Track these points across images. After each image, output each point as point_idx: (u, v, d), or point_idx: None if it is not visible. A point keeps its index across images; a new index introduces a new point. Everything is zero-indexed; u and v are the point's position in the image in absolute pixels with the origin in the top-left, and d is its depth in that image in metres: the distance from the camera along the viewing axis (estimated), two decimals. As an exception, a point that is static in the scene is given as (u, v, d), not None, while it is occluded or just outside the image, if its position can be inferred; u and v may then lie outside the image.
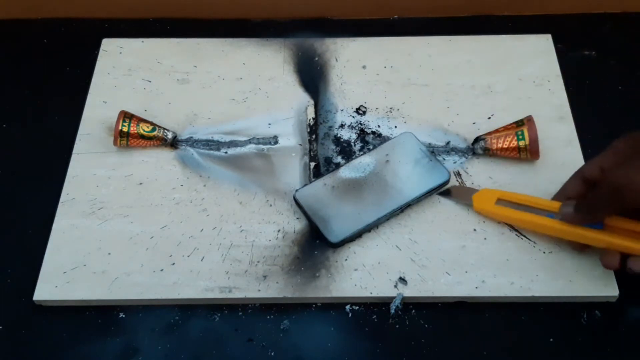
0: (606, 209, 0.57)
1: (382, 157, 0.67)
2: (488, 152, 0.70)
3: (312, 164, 0.71)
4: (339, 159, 0.71)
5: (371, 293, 0.62)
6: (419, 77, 0.78)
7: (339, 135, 0.73)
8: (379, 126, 0.74)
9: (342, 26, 0.86)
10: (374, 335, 0.61)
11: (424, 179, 0.65)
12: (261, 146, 0.73)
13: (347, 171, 0.66)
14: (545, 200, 0.62)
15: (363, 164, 0.66)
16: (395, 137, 0.68)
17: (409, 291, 0.62)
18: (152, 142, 0.71)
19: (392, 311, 0.61)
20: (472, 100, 0.76)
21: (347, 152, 0.72)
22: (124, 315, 0.62)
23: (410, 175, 0.65)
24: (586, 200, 0.58)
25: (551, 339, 0.60)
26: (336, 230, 0.62)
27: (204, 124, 0.75)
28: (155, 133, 0.71)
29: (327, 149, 0.72)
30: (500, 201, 0.63)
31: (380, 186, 0.65)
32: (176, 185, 0.70)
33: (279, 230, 0.66)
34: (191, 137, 0.73)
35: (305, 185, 0.64)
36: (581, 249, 0.62)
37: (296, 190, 0.65)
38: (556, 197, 0.62)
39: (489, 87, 0.77)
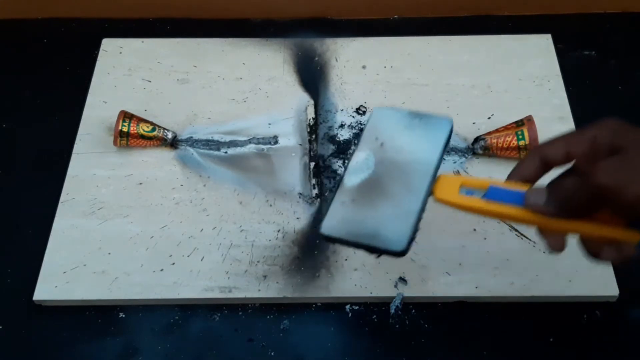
0: (585, 209, 0.48)
1: (374, 143, 0.56)
2: (488, 152, 0.70)
3: (312, 164, 0.71)
4: (338, 162, 0.71)
5: (371, 293, 0.62)
6: (419, 77, 0.78)
7: (338, 135, 0.73)
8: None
9: (342, 26, 0.86)
10: (374, 335, 0.61)
11: (431, 137, 0.56)
12: (261, 146, 0.73)
13: (352, 177, 0.55)
14: (514, 184, 0.52)
15: (361, 161, 0.56)
16: (369, 119, 0.58)
17: (409, 291, 0.62)
18: (152, 142, 0.71)
19: (392, 311, 0.61)
20: (472, 100, 0.76)
21: (346, 152, 0.72)
22: (124, 315, 0.62)
23: (414, 143, 0.56)
24: (560, 193, 0.48)
25: (551, 339, 0.60)
26: (394, 237, 0.52)
27: (204, 124, 0.75)
28: (155, 133, 0.71)
29: (327, 149, 0.72)
30: (464, 188, 0.53)
31: (396, 170, 0.55)
32: (176, 185, 0.70)
33: (279, 230, 0.66)
34: (191, 137, 0.73)
35: (323, 218, 0.53)
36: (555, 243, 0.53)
37: (321, 228, 0.52)
38: (511, 177, 0.53)
39: (489, 87, 0.77)
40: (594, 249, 0.50)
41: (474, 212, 0.53)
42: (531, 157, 0.52)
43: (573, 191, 0.47)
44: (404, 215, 0.53)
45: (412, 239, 0.52)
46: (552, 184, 0.50)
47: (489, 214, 0.53)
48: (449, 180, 0.54)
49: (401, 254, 0.51)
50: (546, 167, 0.51)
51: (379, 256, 0.52)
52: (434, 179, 0.53)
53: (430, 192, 0.52)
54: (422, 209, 0.53)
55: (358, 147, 0.57)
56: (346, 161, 0.69)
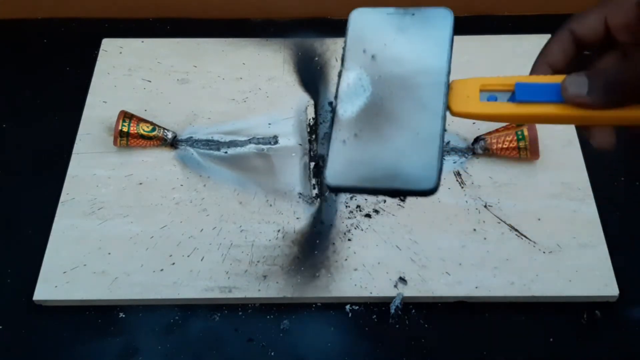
0: None
1: (362, 57, 0.45)
2: (488, 152, 0.70)
3: (312, 164, 0.71)
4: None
5: (371, 293, 0.62)
6: (419, 77, 0.78)
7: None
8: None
9: (342, 26, 0.85)
10: (374, 335, 0.61)
11: (431, 35, 0.46)
12: (261, 146, 0.73)
13: (346, 106, 0.44)
14: (543, 77, 0.43)
15: (353, 83, 0.45)
16: (347, 27, 0.47)
17: (409, 291, 0.62)
18: (152, 142, 0.71)
19: (392, 311, 0.61)
20: (472, 100, 0.76)
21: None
22: (124, 315, 0.62)
23: (413, 47, 0.45)
24: (605, 76, 0.39)
25: (551, 339, 0.60)
26: (419, 172, 0.41)
27: (204, 124, 0.75)
28: (155, 133, 0.71)
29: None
30: (485, 92, 0.45)
31: (399, 86, 0.44)
32: (176, 185, 0.70)
33: (279, 230, 0.66)
34: (191, 137, 0.73)
35: (324, 165, 0.43)
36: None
37: (325, 178, 0.42)
38: (536, 67, 0.45)
39: (489, 87, 0.77)
40: None
41: (503, 120, 0.44)
42: (559, 37, 0.43)
43: (622, 71, 0.38)
44: (424, 141, 0.42)
45: (440, 170, 0.41)
46: (589, 68, 0.41)
47: (522, 119, 0.44)
48: (465, 86, 0.45)
49: (431, 192, 0.40)
50: (579, 48, 0.42)
51: (404, 199, 0.46)
52: (447, 88, 0.43)
53: (446, 105, 0.42)
54: (443, 129, 0.42)
55: (344, 66, 0.45)
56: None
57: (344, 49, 0.46)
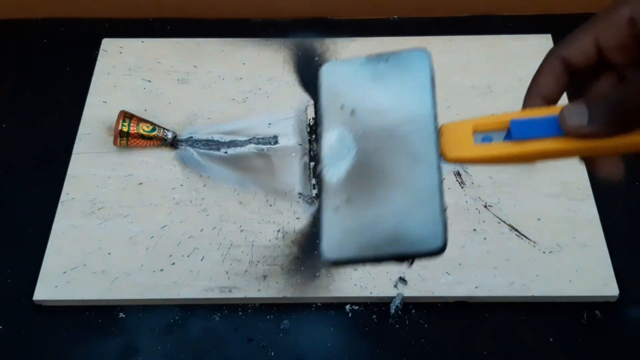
0: None
1: (340, 114, 0.40)
2: (488, 152, 0.70)
3: (312, 164, 0.71)
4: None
5: (371, 293, 0.62)
6: (419, 77, 0.78)
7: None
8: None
9: (342, 26, 0.86)
10: (374, 335, 0.61)
11: (411, 80, 0.42)
12: (261, 146, 0.73)
13: (332, 170, 0.39)
14: (537, 110, 0.39)
15: (335, 144, 0.40)
16: (319, 82, 0.42)
17: (409, 291, 0.62)
18: (152, 142, 0.71)
19: (392, 311, 0.61)
20: (472, 100, 0.76)
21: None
22: (124, 315, 0.62)
23: (394, 95, 0.41)
24: (605, 102, 0.35)
25: (551, 339, 0.60)
26: (424, 232, 0.37)
27: (204, 124, 0.75)
28: (155, 133, 0.71)
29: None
30: (479, 134, 0.40)
31: (386, 140, 0.39)
32: (176, 185, 0.70)
33: (278, 230, 0.66)
34: (191, 137, 0.73)
35: (320, 239, 0.38)
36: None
37: (322, 254, 0.38)
38: (528, 100, 0.41)
39: (489, 87, 0.77)
40: None
41: (502, 161, 0.40)
42: (549, 64, 0.39)
43: (623, 96, 0.34)
44: (423, 196, 0.38)
45: (446, 226, 0.37)
46: (585, 95, 0.38)
47: (523, 158, 0.39)
48: (456, 129, 0.40)
49: (440, 251, 0.37)
50: (572, 74, 0.39)
51: (411, 264, 0.38)
52: (437, 134, 0.39)
53: (439, 153, 0.39)
54: (441, 180, 0.38)
55: (323, 127, 0.41)
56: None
57: (318, 107, 0.42)
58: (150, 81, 0.78)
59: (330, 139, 0.40)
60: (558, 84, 0.39)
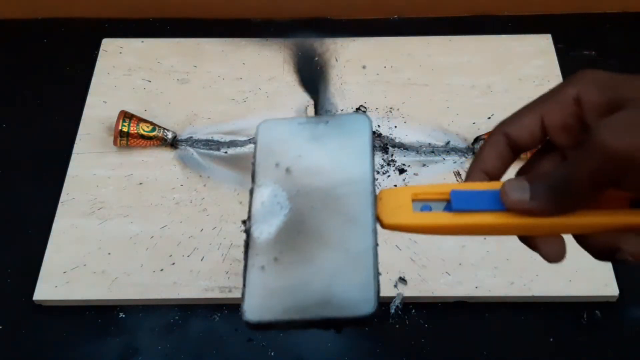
0: (588, 194, 0.34)
1: (275, 171, 0.40)
2: (488, 152, 0.70)
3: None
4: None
5: (371, 293, 0.62)
6: (419, 77, 0.78)
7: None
8: (379, 126, 0.74)
9: (342, 26, 0.86)
10: (374, 335, 0.61)
11: (350, 142, 0.40)
12: (261, 146, 0.73)
13: (262, 227, 0.40)
14: (480, 184, 0.39)
15: (268, 201, 0.40)
16: (255, 139, 0.41)
17: (409, 291, 0.62)
18: (152, 142, 0.71)
19: (392, 311, 0.61)
20: (472, 100, 0.76)
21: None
22: (124, 315, 0.62)
23: (332, 156, 0.40)
24: (548, 179, 0.35)
25: (551, 339, 0.60)
26: (354, 296, 0.35)
27: (204, 124, 0.75)
28: (155, 133, 0.71)
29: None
30: (418, 202, 0.38)
31: (321, 201, 0.38)
32: (176, 185, 0.70)
33: (279, 230, 0.66)
34: (191, 137, 0.73)
35: (242, 299, 0.39)
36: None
37: (243, 315, 0.38)
38: (471, 173, 0.40)
39: (489, 87, 0.77)
40: (605, 246, 0.36)
41: (440, 232, 0.38)
42: (493, 141, 0.39)
43: (566, 173, 0.34)
44: (356, 259, 0.36)
45: (378, 291, 0.35)
46: (527, 172, 0.38)
47: (461, 230, 0.38)
48: (395, 195, 0.38)
49: (371, 317, 0.34)
50: (515, 152, 0.39)
51: (339, 330, 0.36)
52: (375, 197, 0.38)
53: (375, 217, 0.38)
54: (376, 244, 0.37)
55: (256, 183, 0.40)
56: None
57: (253, 164, 0.41)
58: (150, 81, 0.78)
59: (262, 195, 0.39)
60: (501, 161, 0.38)
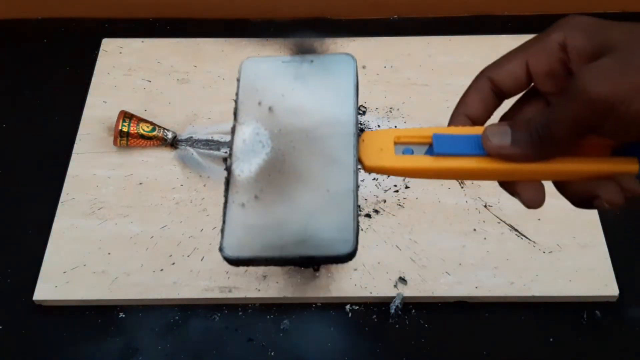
0: (568, 140, 0.34)
1: (257, 110, 0.39)
2: (488, 152, 0.70)
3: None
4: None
5: (371, 293, 0.62)
6: (419, 77, 0.78)
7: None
8: (379, 126, 0.74)
9: (342, 26, 0.86)
10: (374, 335, 0.61)
11: (334, 83, 0.40)
12: (261, 146, 0.73)
13: (243, 165, 0.38)
14: (462, 128, 0.39)
15: (249, 138, 0.39)
16: (239, 77, 0.41)
17: (409, 291, 0.62)
18: (152, 142, 0.71)
19: (392, 311, 0.61)
20: (472, 100, 0.76)
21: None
22: (124, 315, 0.62)
23: (315, 96, 0.40)
24: (530, 125, 0.35)
25: (551, 339, 0.60)
26: (333, 235, 0.36)
27: (204, 123, 0.75)
28: (155, 133, 0.71)
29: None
30: (400, 145, 0.39)
31: (302, 140, 0.38)
32: (176, 185, 0.70)
33: (279, 230, 0.66)
34: (191, 137, 0.73)
35: (222, 234, 0.36)
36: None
37: (222, 250, 0.36)
38: (454, 118, 0.40)
39: (489, 87, 0.77)
40: (584, 193, 0.37)
41: (420, 175, 0.38)
42: (477, 85, 0.39)
43: (547, 119, 0.34)
44: (336, 199, 0.36)
45: (357, 231, 0.36)
46: (510, 118, 0.38)
47: (442, 174, 0.38)
48: (377, 138, 0.38)
49: (349, 256, 0.35)
50: (499, 97, 0.39)
51: (317, 269, 0.38)
52: (357, 139, 0.38)
53: (357, 158, 0.38)
54: (357, 185, 0.37)
55: (237, 120, 0.40)
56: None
57: (235, 101, 0.41)
58: (150, 81, 0.78)
59: (244, 133, 0.39)
60: (485, 106, 0.38)
